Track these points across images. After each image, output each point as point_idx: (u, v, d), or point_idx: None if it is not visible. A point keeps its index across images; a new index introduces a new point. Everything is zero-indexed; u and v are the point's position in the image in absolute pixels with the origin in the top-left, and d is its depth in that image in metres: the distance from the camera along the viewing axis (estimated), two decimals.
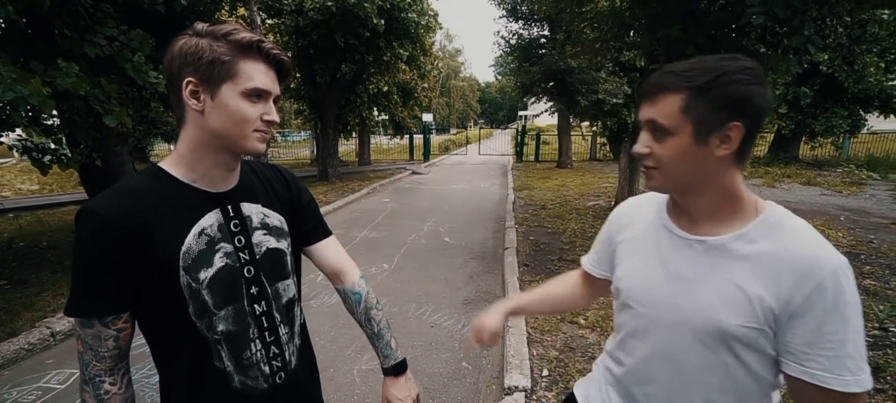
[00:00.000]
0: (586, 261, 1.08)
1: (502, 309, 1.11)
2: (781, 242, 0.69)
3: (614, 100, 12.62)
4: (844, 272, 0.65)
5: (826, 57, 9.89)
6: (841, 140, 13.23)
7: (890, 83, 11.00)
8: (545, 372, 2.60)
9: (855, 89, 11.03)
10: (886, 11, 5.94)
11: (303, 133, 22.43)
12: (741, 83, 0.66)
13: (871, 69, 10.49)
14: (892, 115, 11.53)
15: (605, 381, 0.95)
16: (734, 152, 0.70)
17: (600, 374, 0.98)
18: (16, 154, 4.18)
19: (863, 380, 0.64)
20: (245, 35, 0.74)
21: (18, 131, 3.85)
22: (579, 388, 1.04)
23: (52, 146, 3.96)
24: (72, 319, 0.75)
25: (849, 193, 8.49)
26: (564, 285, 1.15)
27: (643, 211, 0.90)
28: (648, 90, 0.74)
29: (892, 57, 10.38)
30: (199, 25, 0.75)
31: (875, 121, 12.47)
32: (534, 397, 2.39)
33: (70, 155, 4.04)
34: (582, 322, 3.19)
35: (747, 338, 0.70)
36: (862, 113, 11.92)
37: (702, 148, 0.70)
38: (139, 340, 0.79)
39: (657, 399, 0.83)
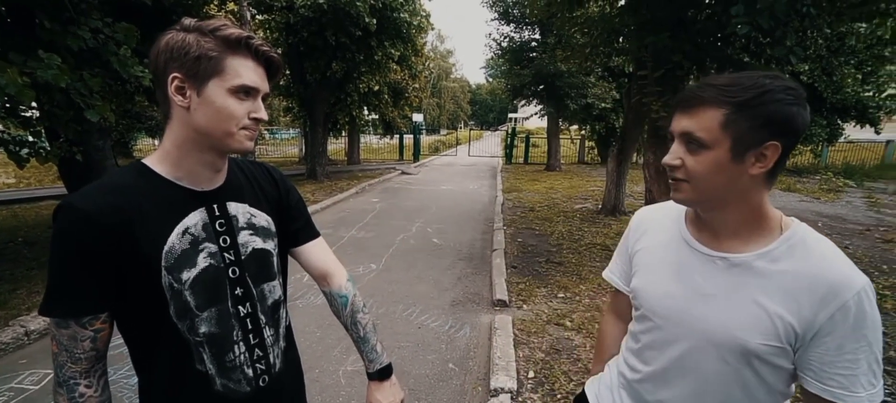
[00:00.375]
0: (610, 275, 1.05)
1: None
2: (805, 262, 0.70)
3: (603, 105, 12.81)
4: (867, 293, 0.66)
5: (806, 67, 10.16)
6: (819, 148, 13.60)
7: (866, 94, 11.36)
8: (531, 374, 2.62)
9: (833, 99, 11.35)
10: (863, 24, 6.13)
11: (292, 131, 22.21)
12: (783, 103, 0.66)
13: (849, 80, 10.82)
14: (867, 125, 11.90)
15: (618, 384, 0.96)
16: (767, 171, 0.70)
17: (613, 377, 0.99)
18: None
19: (874, 394, 0.67)
20: (233, 31, 0.73)
21: None
22: (590, 387, 1.05)
23: (31, 139, 3.84)
24: (47, 318, 0.72)
25: (826, 200, 8.74)
26: (609, 335, 1.11)
27: (661, 221, 0.90)
28: (686, 101, 0.73)
29: (869, 69, 10.71)
30: (187, 20, 0.73)
31: (852, 131, 12.86)
32: (519, 398, 2.40)
33: (49, 148, 3.92)
34: (568, 324, 3.21)
35: (766, 355, 0.71)
36: (839, 122, 12.27)
37: (737, 164, 0.69)
38: (118, 340, 0.77)
39: None
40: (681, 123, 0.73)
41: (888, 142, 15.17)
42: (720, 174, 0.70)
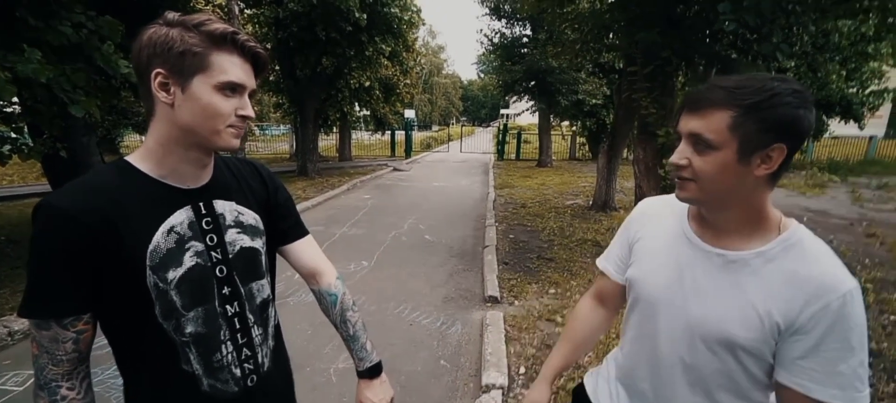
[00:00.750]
0: (606, 265, 1.04)
1: (546, 378, 1.11)
2: (798, 263, 0.72)
3: (593, 101, 12.87)
4: (852, 296, 0.67)
5: (792, 64, 10.29)
6: (805, 144, 13.84)
7: (850, 90, 11.58)
8: (522, 370, 2.64)
9: (818, 96, 11.53)
10: (848, 21, 6.24)
11: (282, 127, 22.00)
12: (791, 106, 0.67)
13: (834, 77, 10.99)
14: (852, 121, 12.14)
15: (614, 376, 0.98)
16: (772, 172, 0.71)
17: (610, 369, 1.01)
18: None
19: (859, 398, 0.67)
20: (218, 26, 0.71)
21: None
22: (589, 379, 1.07)
23: (13, 135, 3.75)
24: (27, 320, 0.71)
25: (812, 194, 8.89)
26: (584, 319, 1.10)
27: (664, 214, 0.91)
28: (694, 103, 0.73)
29: (853, 65, 10.89)
30: (170, 15, 0.72)
31: (836, 127, 13.10)
32: (511, 394, 2.41)
33: (32, 144, 3.84)
34: (559, 320, 3.24)
35: (753, 349, 0.74)
36: (824, 118, 12.49)
37: (743, 166, 0.70)
38: (105, 339, 0.76)
39: (662, 395, 0.87)
40: (689, 124, 0.74)
41: (871, 137, 15.50)
42: (726, 174, 0.71)
